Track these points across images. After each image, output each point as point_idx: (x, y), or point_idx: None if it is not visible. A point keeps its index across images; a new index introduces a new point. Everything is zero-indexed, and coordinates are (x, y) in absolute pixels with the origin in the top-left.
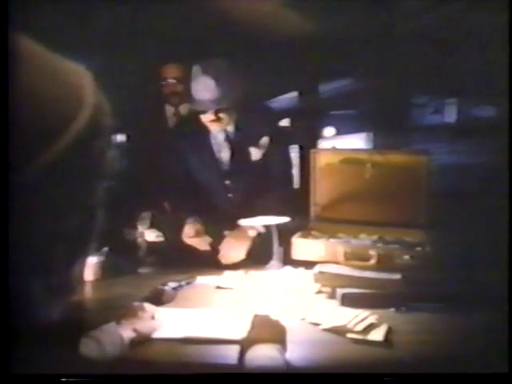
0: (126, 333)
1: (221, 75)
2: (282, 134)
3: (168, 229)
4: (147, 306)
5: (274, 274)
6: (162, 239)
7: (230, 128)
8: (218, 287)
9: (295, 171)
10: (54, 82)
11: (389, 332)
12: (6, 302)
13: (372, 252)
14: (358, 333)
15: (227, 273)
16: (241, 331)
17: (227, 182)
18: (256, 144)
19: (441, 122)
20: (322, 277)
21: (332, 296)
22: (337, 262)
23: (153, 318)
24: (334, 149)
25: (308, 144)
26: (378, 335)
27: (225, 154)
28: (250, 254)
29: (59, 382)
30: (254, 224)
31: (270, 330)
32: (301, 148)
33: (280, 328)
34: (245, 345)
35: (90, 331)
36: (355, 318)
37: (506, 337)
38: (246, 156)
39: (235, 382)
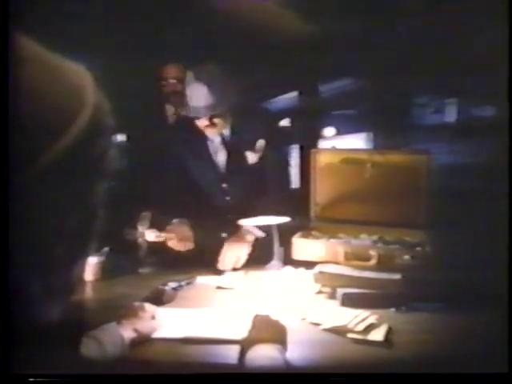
0: (127, 333)
1: (214, 81)
2: (280, 135)
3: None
4: (147, 306)
5: (275, 274)
6: (162, 239)
7: (226, 131)
8: (219, 287)
9: (295, 171)
10: (55, 82)
11: (389, 332)
12: (5, 302)
13: (372, 252)
14: (358, 333)
15: (228, 273)
16: (241, 331)
17: (224, 185)
18: (252, 147)
19: (441, 121)
20: (322, 277)
21: (332, 296)
22: (337, 262)
23: (153, 318)
24: (334, 149)
25: (308, 144)
26: (378, 335)
27: (221, 158)
28: (250, 254)
29: (59, 382)
30: (255, 223)
31: (270, 330)
32: (301, 148)
33: (280, 328)
34: (245, 345)
35: (91, 331)
36: (355, 318)
37: (506, 337)
38: (242, 159)
39: (235, 381)
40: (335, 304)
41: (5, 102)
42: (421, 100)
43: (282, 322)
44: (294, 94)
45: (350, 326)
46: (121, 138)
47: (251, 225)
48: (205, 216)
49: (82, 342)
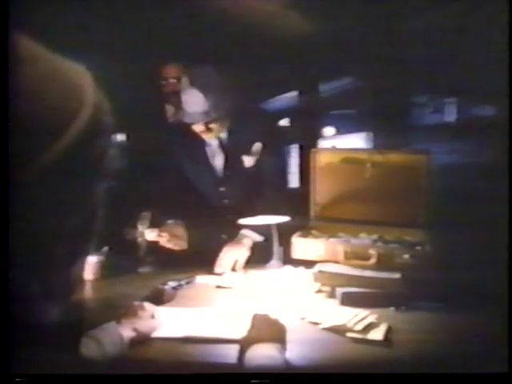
0: (126, 332)
1: (210, 87)
2: (278, 135)
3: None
4: (147, 305)
5: (274, 273)
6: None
7: (224, 135)
8: (218, 286)
9: (295, 171)
10: (55, 81)
11: (388, 331)
12: (6, 302)
13: (372, 251)
14: (357, 332)
15: (227, 272)
16: (241, 330)
17: (222, 188)
18: (249, 149)
19: (441, 121)
20: (321, 276)
21: (332, 295)
22: (337, 262)
23: (153, 317)
24: (334, 148)
25: (308, 143)
26: (377, 334)
27: (219, 161)
28: (248, 257)
29: (59, 382)
30: (254, 223)
31: (269, 330)
32: (301, 147)
33: (280, 327)
34: (245, 344)
35: (90, 331)
36: (355, 318)
37: (506, 337)
38: (240, 162)
39: (235, 381)
40: (335, 303)
41: (5, 102)
42: (421, 100)
43: (282, 321)
44: (293, 94)
45: (350, 325)
46: (121, 137)
47: (250, 226)
48: (204, 216)
49: (82, 341)
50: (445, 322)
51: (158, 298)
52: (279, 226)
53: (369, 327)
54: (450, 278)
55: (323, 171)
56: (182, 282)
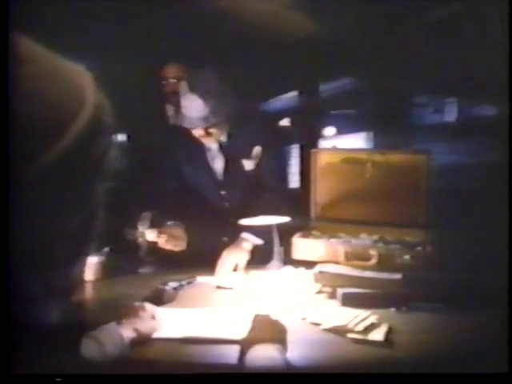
0: (127, 333)
1: (209, 91)
2: (278, 137)
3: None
4: (148, 305)
5: (275, 273)
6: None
7: (223, 138)
8: (219, 287)
9: (295, 171)
10: (55, 82)
11: (389, 332)
12: (6, 302)
13: (372, 252)
14: (358, 333)
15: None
16: (241, 331)
17: (222, 192)
18: (249, 152)
19: (441, 121)
20: (322, 277)
21: (332, 296)
22: (337, 262)
23: (153, 317)
24: (334, 148)
25: (308, 144)
26: (378, 335)
27: (219, 165)
28: (248, 260)
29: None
30: (255, 223)
31: (270, 330)
32: (301, 148)
33: (280, 328)
34: (245, 345)
35: (91, 331)
36: (356, 318)
37: (506, 337)
38: (240, 165)
39: (235, 381)
40: (335, 304)
41: (5, 102)
42: (421, 100)
43: (282, 321)
44: (294, 94)
45: (350, 325)
46: (121, 137)
47: (251, 227)
48: (204, 219)
49: (82, 342)
50: (445, 322)
51: (159, 299)
52: (280, 226)
53: (369, 328)
54: (450, 278)
55: (324, 171)
56: (183, 283)
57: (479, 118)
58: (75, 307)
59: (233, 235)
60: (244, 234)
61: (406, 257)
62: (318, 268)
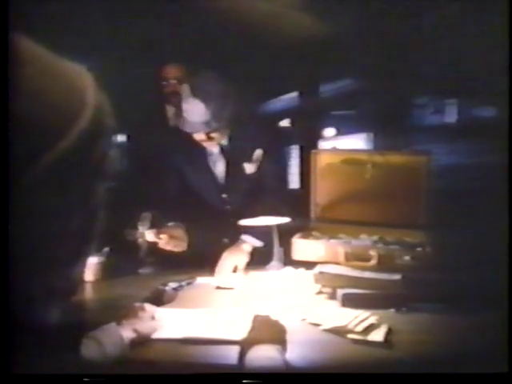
0: (127, 333)
1: (210, 96)
2: (279, 140)
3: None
4: (148, 306)
5: (275, 274)
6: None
7: (225, 141)
8: (219, 287)
9: (295, 172)
10: (55, 82)
11: (389, 332)
12: (6, 302)
13: (372, 252)
14: (358, 333)
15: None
16: (241, 331)
17: (224, 195)
18: (250, 155)
19: (441, 122)
20: (322, 277)
21: (332, 296)
22: (337, 263)
23: (153, 318)
24: (334, 149)
25: (308, 144)
26: (378, 336)
27: (220, 168)
28: (248, 262)
29: (59, 382)
30: (255, 223)
31: (270, 331)
32: (301, 148)
33: (280, 328)
34: (245, 345)
35: (91, 331)
36: (355, 319)
37: (506, 337)
38: (241, 169)
39: (235, 382)
40: (335, 304)
41: (5, 103)
42: (421, 100)
43: (282, 322)
44: (294, 95)
45: (350, 326)
46: (121, 138)
47: (251, 229)
48: (205, 219)
49: (82, 342)
50: (445, 322)
51: (159, 299)
52: (280, 227)
53: (369, 328)
54: (450, 279)
55: (324, 172)
56: (183, 283)
57: (479, 119)
58: (75, 308)
59: (233, 237)
60: (244, 236)
61: (406, 257)
62: (317, 269)
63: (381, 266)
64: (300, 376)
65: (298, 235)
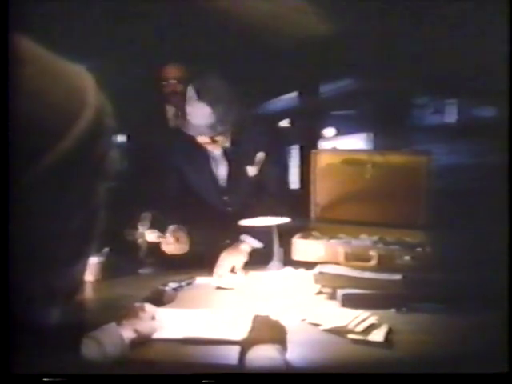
0: (127, 333)
1: (217, 100)
2: (281, 142)
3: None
4: (148, 306)
5: (275, 274)
6: (162, 240)
7: (227, 144)
8: (219, 288)
9: (296, 172)
10: (56, 83)
11: (389, 332)
12: (6, 302)
13: (372, 253)
14: (358, 333)
15: (227, 274)
16: (241, 332)
17: (225, 197)
18: (252, 159)
19: (441, 122)
20: (322, 277)
21: (332, 297)
22: (337, 263)
23: (153, 318)
24: (334, 149)
25: (308, 144)
26: (378, 336)
27: (222, 171)
28: (247, 261)
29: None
30: (255, 224)
31: (270, 331)
32: (301, 148)
33: (280, 328)
34: (245, 345)
35: (91, 332)
36: (356, 319)
37: (506, 337)
38: (243, 171)
39: (235, 382)
40: (335, 305)
41: (6, 104)
42: (421, 100)
43: (282, 322)
44: (294, 95)
45: (350, 326)
46: (121, 138)
47: (251, 229)
48: (206, 221)
49: (82, 342)
50: (445, 322)
51: (159, 299)
52: (280, 227)
53: (369, 328)
54: (450, 279)
55: (324, 172)
56: (183, 283)
57: (479, 119)
58: (75, 308)
59: (234, 238)
60: (243, 237)
61: (406, 257)
62: (317, 269)
63: (381, 266)
64: (300, 376)
65: (298, 235)
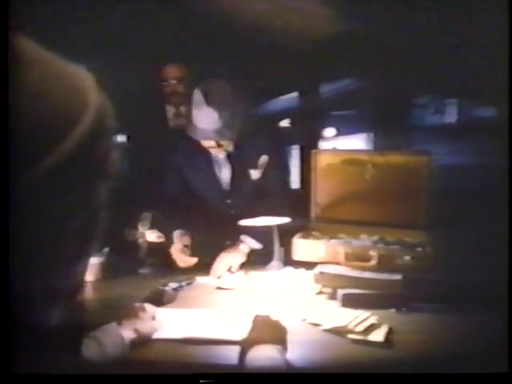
0: (127, 333)
1: (225, 105)
2: (282, 144)
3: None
4: (148, 306)
5: (275, 274)
6: (162, 240)
7: (231, 148)
8: (219, 288)
9: (296, 172)
10: (56, 83)
11: (389, 332)
12: (6, 302)
13: (373, 253)
14: (358, 333)
15: (227, 274)
16: (241, 332)
17: (228, 200)
18: (256, 163)
19: (441, 122)
20: (322, 277)
21: (333, 297)
22: (337, 263)
23: (153, 318)
24: (334, 149)
25: (309, 144)
26: (378, 336)
27: (225, 174)
28: (250, 255)
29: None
30: (255, 223)
31: (270, 331)
32: (301, 149)
33: (280, 328)
34: (245, 345)
35: (91, 332)
36: (356, 319)
37: (506, 337)
38: (246, 174)
39: (236, 382)
40: (335, 305)
41: (6, 105)
42: (421, 100)
43: (282, 322)
44: (294, 95)
45: (351, 326)
46: (121, 138)
47: (251, 230)
48: (208, 222)
49: (83, 342)
50: (445, 322)
51: (159, 299)
52: (280, 227)
53: (370, 328)
54: (450, 279)
55: (324, 172)
56: (183, 283)
57: (479, 119)
58: (76, 308)
59: (235, 238)
60: (243, 237)
61: (407, 257)
62: (318, 269)
63: (381, 266)
64: (300, 376)
65: (298, 235)
